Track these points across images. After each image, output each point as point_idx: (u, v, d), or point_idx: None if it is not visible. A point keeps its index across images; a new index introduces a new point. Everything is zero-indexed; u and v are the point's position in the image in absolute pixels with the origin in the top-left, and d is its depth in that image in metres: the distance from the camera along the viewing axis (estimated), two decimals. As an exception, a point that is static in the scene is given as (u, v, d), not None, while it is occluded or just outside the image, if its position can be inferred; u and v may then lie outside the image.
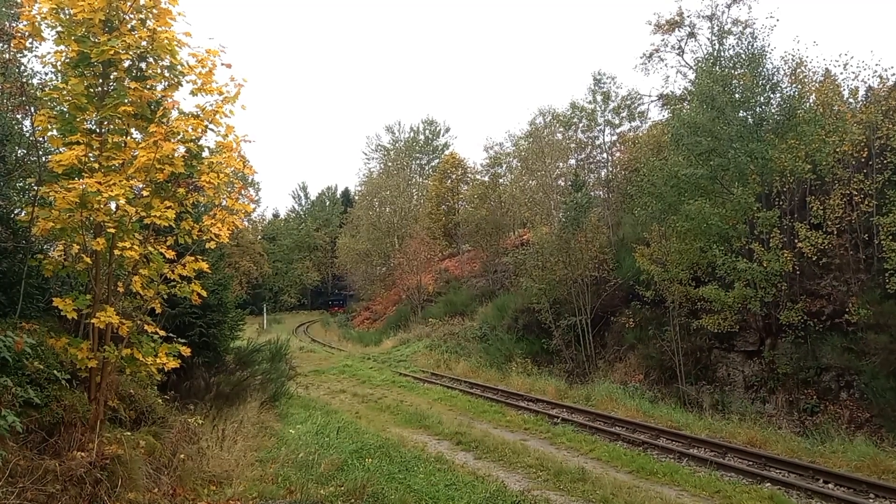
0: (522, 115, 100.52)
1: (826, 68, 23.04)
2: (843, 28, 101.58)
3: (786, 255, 19.81)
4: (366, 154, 75.57)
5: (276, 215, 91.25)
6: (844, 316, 19.00)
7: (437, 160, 68.11)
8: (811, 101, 22.11)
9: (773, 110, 22.29)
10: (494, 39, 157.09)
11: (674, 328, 23.16)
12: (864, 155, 20.14)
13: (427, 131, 73.23)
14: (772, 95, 22.63)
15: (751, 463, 14.34)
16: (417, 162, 71.19)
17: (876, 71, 21.91)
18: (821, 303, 20.12)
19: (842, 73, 22.43)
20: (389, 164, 65.57)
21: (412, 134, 72.79)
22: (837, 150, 20.18)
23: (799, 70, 23.02)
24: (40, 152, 8.18)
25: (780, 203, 21.45)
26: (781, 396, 19.81)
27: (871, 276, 19.45)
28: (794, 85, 22.85)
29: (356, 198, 73.70)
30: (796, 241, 20.22)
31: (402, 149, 70.74)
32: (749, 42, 24.09)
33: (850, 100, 22.52)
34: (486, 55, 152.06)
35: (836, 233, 19.93)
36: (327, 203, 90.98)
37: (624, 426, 17.60)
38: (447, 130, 74.14)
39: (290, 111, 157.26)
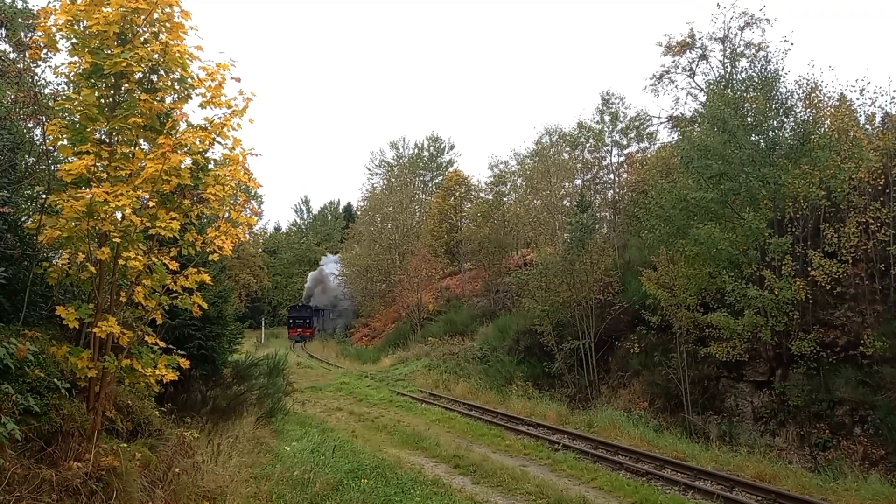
0: (528, 133, 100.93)
1: (842, 93, 22.66)
2: (860, 54, 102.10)
3: (798, 283, 19.32)
4: (369, 169, 75.48)
5: (277, 228, 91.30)
6: (859, 348, 18.45)
7: (441, 177, 67.96)
8: (826, 126, 21.69)
9: (786, 135, 21.92)
10: (502, 57, 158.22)
11: (680, 355, 22.61)
12: (881, 182, 19.75)
13: (431, 148, 73.21)
14: (785, 120, 22.31)
15: (760, 498, 13.90)
16: (421, 178, 70.97)
17: (894, 97, 21.47)
18: (834, 333, 19.58)
19: (858, 99, 22.13)
20: (393, 179, 65.29)
21: (416, 150, 72.78)
22: (853, 176, 19.78)
23: (814, 94, 22.64)
24: (50, 161, 8.47)
25: (793, 229, 21.00)
26: (792, 430, 19.22)
27: (887, 308, 18.94)
28: (808, 109, 22.49)
29: (358, 213, 73.30)
30: (809, 269, 19.72)
31: (406, 165, 70.57)
32: (762, 65, 23.83)
33: (867, 126, 22.18)
34: (494, 73, 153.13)
35: (850, 262, 19.42)
36: (329, 218, 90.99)
37: (627, 455, 17.16)
38: (451, 147, 74.17)
39: (295, 124, 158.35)
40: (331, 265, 67.27)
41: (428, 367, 32.22)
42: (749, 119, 22.09)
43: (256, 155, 8.23)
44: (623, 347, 26.84)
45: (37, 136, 10.00)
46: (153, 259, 7.82)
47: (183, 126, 7.81)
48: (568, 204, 37.37)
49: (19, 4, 12.47)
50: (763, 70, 23.30)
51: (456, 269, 53.10)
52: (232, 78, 7.83)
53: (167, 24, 7.52)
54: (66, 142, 7.55)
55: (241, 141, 8.02)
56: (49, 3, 8.44)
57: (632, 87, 78.32)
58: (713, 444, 18.83)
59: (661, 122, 37.18)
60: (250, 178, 8.18)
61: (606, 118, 35.54)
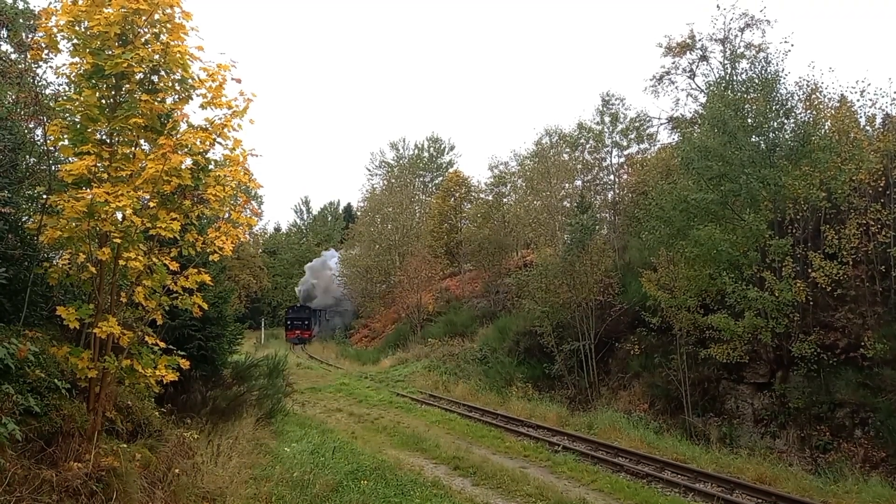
0: (528, 134, 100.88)
1: (842, 94, 22.60)
2: (860, 55, 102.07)
3: (799, 284, 19.27)
4: (369, 170, 75.36)
5: (277, 229, 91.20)
6: (860, 350, 18.39)
7: (441, 178, 67.83)
8: (826, 127, 21.65)
9: (786, 136, 21.86)
10: (502, 58, 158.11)
11: (680, 357, 22.56)
12: (882, 184, 19.71)
13: (431, 148, 73.08)
14: (785, 121, 22.25)
15: (760, 500, 13.89)
16: (421, 179, 70.85)
17: (894, 99, 21.51)
18: (835, 335, 19.53)
19: (858, 100, 22.07)
20: (393, 180, 65.18)
21: (416, 151, 72.63)
22: (853, 178, 19.73)
23: (814, 96, 22.59)
24: (51, 161, 8.48)
25: (794, 231, 20.96)
26: (793, 432, 19.17)
27: (887, 310, 18.89)
28: (808, 111, 22.45)
29: (358, 213, 73.18)
30: (810, 270, 19.67)
31: (406, 165, 70.44)
32: (763, 66, 23.78)
33: (867, 127, 22.12)
34: (494, 74, 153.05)
35: (851, 263, 19.36)
36: (329, 218, 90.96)
37: (627, 457, 17.14)
38: (452, 148, 74.01)
39: (295, 124, 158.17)
40: (333, 260, 66.60)
41: (428, 369, 32.17)
42: (749, 120, 22.04)
43: (257, 155, 8.23)
44: (623, 349, 26.79)
45: (38, 136, 10.04)
46: (154, 259, 7.82)
47: (183, 127, 7.82)
48: (568, 205, 37.32)
49: (21, 5, 12.48)
50: (763, 71, 23.24)
51: (456, 269, 53.02)
52: (232, 79, 7.83)
53: (168, 25, 7.52)
54: (67, 142, 7.56)
55: (241, 141, 8.03)
56: (50, 3, 8.44)
57: (632, 88, 78.78)
58: (713, 446, 18.78)
59: (661, 124, 37.21)
60: (250, 179, 8.19)
61: (606, 119, 35.51)
